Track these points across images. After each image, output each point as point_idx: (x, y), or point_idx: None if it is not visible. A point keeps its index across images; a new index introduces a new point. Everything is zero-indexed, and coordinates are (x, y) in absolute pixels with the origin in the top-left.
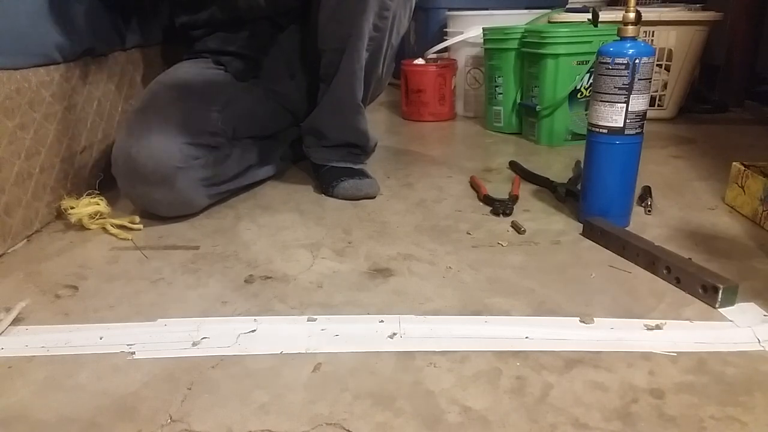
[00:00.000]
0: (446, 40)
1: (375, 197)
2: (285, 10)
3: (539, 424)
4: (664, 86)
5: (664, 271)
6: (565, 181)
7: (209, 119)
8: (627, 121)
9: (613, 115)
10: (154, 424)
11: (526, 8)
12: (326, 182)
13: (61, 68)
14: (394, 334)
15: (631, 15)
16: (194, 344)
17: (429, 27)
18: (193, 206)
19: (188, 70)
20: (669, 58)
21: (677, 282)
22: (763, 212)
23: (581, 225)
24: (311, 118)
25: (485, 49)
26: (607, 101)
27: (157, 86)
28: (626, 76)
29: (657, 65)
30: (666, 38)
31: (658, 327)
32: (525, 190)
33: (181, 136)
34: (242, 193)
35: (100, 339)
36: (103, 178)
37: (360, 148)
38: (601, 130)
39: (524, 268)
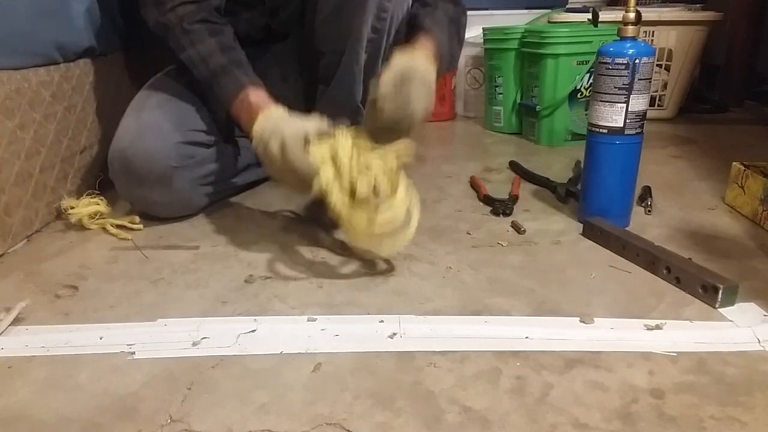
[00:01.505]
0: None
1: None
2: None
3: (539, 424)
4: (664, 86)
5: (664, 271)
6: (565, 181)
7: (203, 118)
8: (627, 121)
9: (613, 115)
10: (154, 424)
11: (526, 8)
12: None
13: (61, 68)
14: (394, 334)
15: (631, 15)
16: (194, 344)
17: None
18: (191, 206)
19: (183, 70)
20: (669, 58)
21: (677, 282)
22: (763, 212)
23: (581, 225)
24: None
25: (485, 49)
26: (607, 101)
27: (151, 87)
28: (626, 76)
29: (657, 65)
30: (666, 38)
31: (658, 327)
32: (525, 190)
33: (176, 136)
34: (242, 193)
35: (100, 339)
36: (103, 178)
37: None
38: (601, 130)
39: (524, 268)
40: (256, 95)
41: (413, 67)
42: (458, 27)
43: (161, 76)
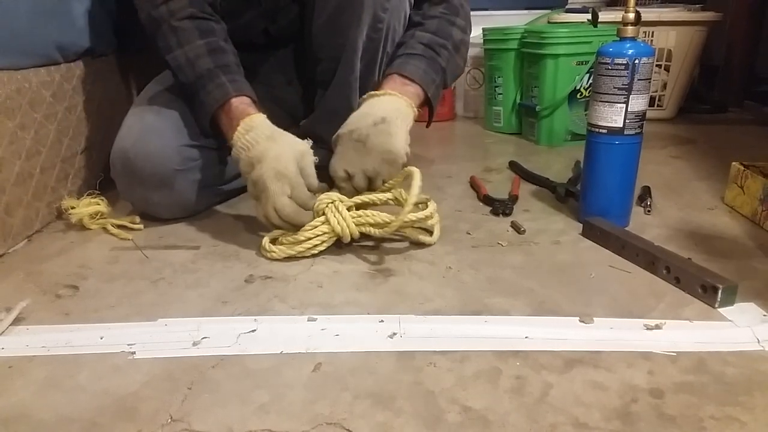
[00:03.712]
0: None
1: None
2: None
3: (539, 423)
4: (664, 86)
5: (664, 271)
6: (565, 181)
7: None
8: (626, 121)
9: (612, 116)
10: (155, 424)
11: (526, 8)
12: None
13: (61, 68)
14: (394, 334)
15: (631, 15)
16: (194, 344)
17: None
18: (192, 208)
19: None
20: (668, 59)
21: (677, 282)
22: (763, 212)
23: (581, 225)
24: (309, 122)
25: (485, 50)
26: (607, 101)
27: (154, 88)
28: (626, 76)
29: (656, 65)
30: (665, 38)
31: (657, 327)
32: (525, 190)
33: (179, 139)
34: (243, 193)
35: (101, 339)
36: (104, 178)
37: None
38: (600, 130)
39: (524, 268)
40: (239, 101)
41: (377, 119)
42: (439, 48)
43: (167, 74)
